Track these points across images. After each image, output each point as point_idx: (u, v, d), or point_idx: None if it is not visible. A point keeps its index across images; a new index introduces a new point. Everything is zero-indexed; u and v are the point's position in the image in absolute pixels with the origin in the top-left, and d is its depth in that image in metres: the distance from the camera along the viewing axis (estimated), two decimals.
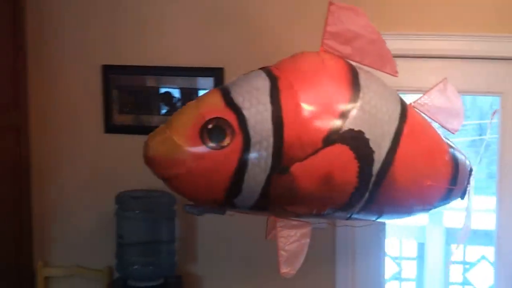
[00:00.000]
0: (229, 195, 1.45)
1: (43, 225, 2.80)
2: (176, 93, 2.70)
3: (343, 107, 1.47)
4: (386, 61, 1.63)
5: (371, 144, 1.49)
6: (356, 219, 1.68)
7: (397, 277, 4.93)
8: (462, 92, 2.80)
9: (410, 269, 4.94)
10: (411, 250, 4.93)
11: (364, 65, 1.61)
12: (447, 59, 2.51)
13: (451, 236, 4.75)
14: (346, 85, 1.51)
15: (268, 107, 1.42)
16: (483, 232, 4.03)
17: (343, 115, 1.46)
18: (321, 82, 1.49)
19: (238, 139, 1.39)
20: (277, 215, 1.61)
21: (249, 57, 2.57)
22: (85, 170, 2.76)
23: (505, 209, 2.55)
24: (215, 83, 2.61)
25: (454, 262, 4.69)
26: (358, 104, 1.49)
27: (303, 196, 1.47)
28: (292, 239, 1.62)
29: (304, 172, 1.43)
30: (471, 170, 1.86)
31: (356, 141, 1.47)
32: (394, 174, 1.55)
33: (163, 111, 2.70)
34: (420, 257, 4.87)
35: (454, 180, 1.76)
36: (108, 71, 2.70)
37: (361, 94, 1.51)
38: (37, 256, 2.80)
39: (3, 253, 2.64)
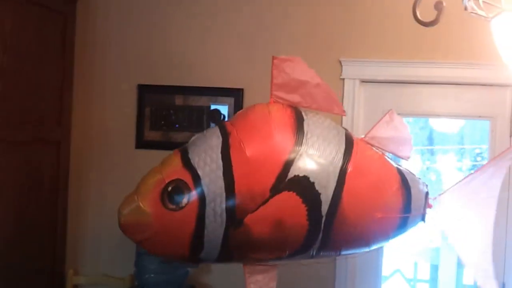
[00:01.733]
0: (193, 251, 1.51)
1: (76, 235, 2.95)
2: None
3: (287, 155, 1.52)
4: (332, 102, 1.71)
5: (317, 187, 1.55)
6: (319, 257, 1.71)
7: None
8: (455, 116, 2.96)
9: None
10: (425, 272, 4.90)
11: (314, 109, 1.68)
12: (441, 85, 2.74)
13: None
14: (290, 133, 1.57)
15: (220, 164, 1.48)
16: None
17: (288, 163, 1.51)
18: (267, 133, 1.55)
19: (194, 199, 1.46)
20: (243, 263, 1.65)
21: (268, 79, 2.69)
22: (115, 183, 2.91)
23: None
24: (235, 103, 2.82)
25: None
26: (302, 150, 1.55)
27: (259, 244, 1.54)
28: (261, 284, 1.67)
29: (257, 221, 1.49)
30: (427, 193, 1.86)
31: (301, 186, 1.52)
32: (343, 211, 1.60)
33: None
34: (433, 279, 4.81)
35: (407, 208, 1.79)
36: (143, 90, 2.89)
37: (304, 140, 1.57)
38: (69, 264, 2.93)
39: (39, 259, 2.79)
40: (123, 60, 2.97)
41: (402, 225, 1.80)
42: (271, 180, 1.49)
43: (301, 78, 1.67)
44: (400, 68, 2.74)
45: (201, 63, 2.89)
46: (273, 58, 1.63)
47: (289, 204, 1.51)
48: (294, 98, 1.66)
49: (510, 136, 2.64)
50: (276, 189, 1.49)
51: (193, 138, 1.59)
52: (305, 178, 1.53)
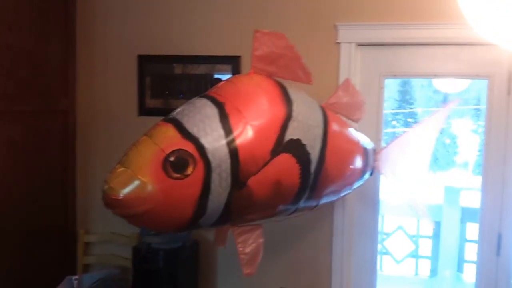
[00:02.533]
0: (196, 217, 1.57)
1: (85, 197, 3.16)
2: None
3: (282, 121, 1.65)
4: (302, 72, 1.87)
5: (307, 148, 1.71)
6: (300, 211, 1.89)
7: (414, 254, 5.10)
8: (453, 75, 2.99)
9: (426, 247, 5.08)
10: (427, 229, 5.05)
11: (287, 79, 1.82)
12: (438, 45, 2.72)
13: (466, 215, 4.83)
14: (281, 102, 1.70)
15: (222, 132, 1.55)
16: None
17: (284, 128, 1.65)
18: (261, 102, 1.66)
19: (200, 166, 1.51)
20: (235, 224, 1.76)
21: None
22: (120, 148, 3.07)
23: (489, 186, 2.70)
24: (232, 70, 2.90)
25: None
26: (293, 116, 1.69)
27: (259, 204, 1.65)
28: (249, 242, 1.79)
29: (259, 183, 1.59)
30: (374, 149, 2.17)
31: (296, 148, 1.67)
32: (327, 168, 1.79)
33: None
34: (436, 236, 4.97)
35: (367, 162, 2.08)
36: (143, 60, 3.04)
37: (294, 107, 1.71)
38: (79, 224, 3.17)
39: (52, 222, 3.04)
40: (123, 32, 3.09)
41: (361, 176, 2.09)
42: (271, 143, 1.61)
43: (280, 52, 1.79)
44: (396, 30, 2.73)
45: (199, 32, 2.98)
46: (255, 31, 1.75)
47: (286, 164, 1.65)
48: (271, 68, 1.78)
49: (508, 95, 2.64)
50: (275, 152, 1.61)
51: (179, 109, 1.65)
52: (298, 140, 1.68)
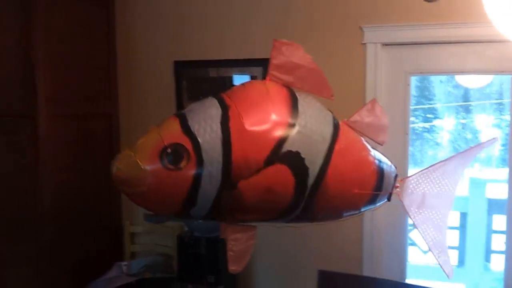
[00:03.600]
0: (185, 207, 1.63)
1: None
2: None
3: (283, 131, 1.66)
4: (323, 87, 1.85)
5: (306, 162, 1.69)
6: (296, 222, 1.89)
7: None
8: (478, 72, 3.04)
9: (453, 238, 5.11)
10: (454, 219, 5.08)
11: (306, 91, 1.81)
12: (462, 43, 2.81)
13: (492, 206, 4.87)
14: (286, 111, 1.70)
15: (219, 133, 1.59)
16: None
17: (283, 138, 1.65)
18: (265, 109, 1.67)
19: (193, 161, 1.57)
20: (227, 222, 1.80)
21: None
22: None
23: None
24: (263, 72, 3.07)
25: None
26: (296, 128, 1.68)
27: (248, 207, 1.68)
28: (240, 241, 1.81)
29: (249, 187, 1.62)
30: (396, 176, 2.04)
31: (293, 160, 1.67)
32: (326, 185, 1.76)
33: None
34: (463, 226, 5.03)
35: (379, 187, 1.97)
36: (179, 65, 3.29)
37: (299, 119, 1.70)
38: (125, 216, 3.41)
39: (100, 214, 3.30)
40: (159, 40, 3.33)
41: (372, 201, 1.99)
42: (265, 152, 1.62)
43: (297, 62, 1.80)
44: (421, 30, 2.82)
45: (231, 37, 3.17)
46: (274, 41, 1.77)
47: (280, 175, 1.66)
48: (288, 78, 1.78)
49: None
50: (269, 161, 1.62)
51: (190, 106, 1.73)
52: (297, 153, 1.68)
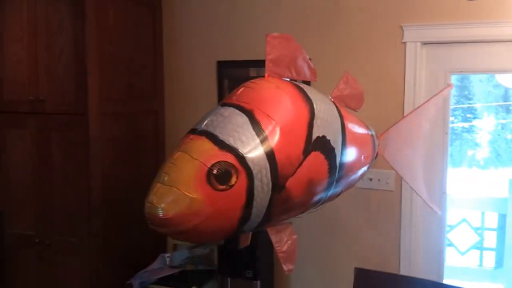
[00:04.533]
0: (241, 224, 1.58)
1: None
2: None
3: (308, 120, 1.67)
4: (309, 71, 1.89)
5: (332, 143, 1.74)
6: (324, 202, 1.94)
7: (478, 246, 5.13)
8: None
9: (491, 239, 5.08)
10: (493, 221, 5.04)
11: (297, 79, 1.84)
12: (503, 42, 2.80)
13: None
14: (303, 102, 1.71)
15: (257, 140, 1.54)
16: None
17: (310, 126, 1.67)
18: (286, 104, 1.66)
19: (243, 175, 1.51)
20: (270, 226, 1.78)
21: (335, 47, 3.11)
22: None
23: None
24: None
25: None
26: (316, 114, 1.71)
27: (296, 204, 1.69)
28: (285, 240, 1.81)
29: (295, 183, 1.61)
30: (374, 135, 2.23)
31: (323, 145, 1.70)
32: (347, 161, 1.84)
33: None
34: (501, 228, 4.96)
35: (374, 149, 2.14)
36: (221, 65, 3.41)
37: (315, 106, 1.73)
38: None
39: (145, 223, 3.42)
40: (203, 41, 3.45)
41: (372, 160, 2.17)
42: (302, 143, 1.63)
43: (290, 54, 1.81)
44: (461, 29, 2.82)
45: (256, 37, 3.19)
46: (267, 35, 1.75)
47: (317, 162, 1.68)
48: (283, 71, 1.79)
49: None
50: (307, 151, 1.63)
51: (208, 121, 1.63)
52: (324, 137, 1.71)
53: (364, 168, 2.13)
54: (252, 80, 1.77)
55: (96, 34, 2.99)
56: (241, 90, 1.75)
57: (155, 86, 3.51)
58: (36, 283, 3.23)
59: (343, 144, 1.82)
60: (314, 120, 1.68)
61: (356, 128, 2.01)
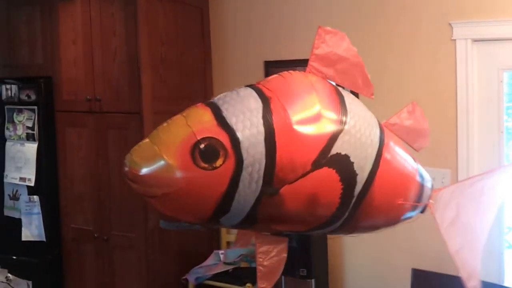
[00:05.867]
0: (216, 214, 1.39)
1: None
2: None
3: (332, 130, 1.45)
4: (364, 84, 1.65)
5: (355, 167, 1.49)
6: (333, 233, 1.71)
7: None
8: None
9: None
10: None
11: (344, 87, 1.60)
12: None
13: None
14: (335, 109, 1.49)
15: (261, 129, 1.36)
16: None
17: (332, 139, 1.44)
18: (311, 104, 1.46)
19: (231, 161, 1.33)
20: (257, 231, 1.60)
21: (383, 47, 3.09)
22: None
23: None
24: None
25: None
26: (346, 128, 1.47)
27: (288, 216, 1.46)
28: (271, 254, 1.61)
29: (293, 193, 1.40)
30: (432, 186, 1.85)
31: (342, 164, 1.46)
32: (373, 194, 1.55)
33: None
34: None
35: (420, 197, 1.78)
36: (269, 65, 3.47)
37: (348, 119, 1.49)
38: None
39: None
40: (250, 41, 3.51)
41: (412, 212, 1.79)
42: (314, 153, 1.41)
43: (341, 54, 1.60)
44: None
45: (303, 37, 3.15)
46: (319, 28, 1.58)
47: (327, 180, 1.45)
48: (329, 72, 1.58)
49: None
50: (317, 164, 1.40)
51: (222, 95, 1.48)
52: (346, 157, 1.47)
53: (398, 218, 1.78)
54: (290, 71, 1.58)
55: (148, 35, 3.09)
56: (273, 76, 1.58)
57: (205, 85, 3.61)
58: (95, 277, 3.37)
59: (371, 175, 1.55)
60: (341, 134, 1.46)
61: (400, 167, 1.70)
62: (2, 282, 3.44)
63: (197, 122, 1.36)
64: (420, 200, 1.79)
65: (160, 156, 1.31)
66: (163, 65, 3.22)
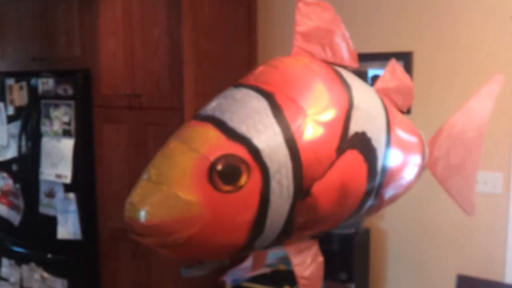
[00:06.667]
0: (251, 239, 1.21)
1: None
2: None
3: (345, 111, 1.32)
4: (349, 53, 1.49)
5: (373, 142, 1.38)
6: (359, 217, 1.59)
7: None
8: None
9: None
10: None
11: (331, 61, 1.46)
12: None
13: None
14: (339, 87, 1.36)
15: (277, 129, 1.21)
16: None
17: (347, 119, 1.32)
18: (317, 88, 1.33)
19: (256, 174, 1.16)
20: (289, 243, 1.42)
21: (438, 40, 2.93)
22: None
23: None
24: (404, 67, 2.99)
25: None
26: (355, 104, 1.35)
27: (323, 215, 1.32)
28: (308, 262, 1.44)
29: (324, 189, 1.26)
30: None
31: (362, 143, 1.35)
32: (391, 166, 1.45)
33: None
34: None
35: (424, 154, 1.71)
36: None
37: (353, 93, 1.37)
38: None
39: None
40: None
41: (420, 171, 1.71)
42: (336, 139, 1.28)
43: (326, 27, 1.45)
44: None
45: (365, 30, 3.10)
46: (298, 1, 1.44)
47: (353, 164, 1.33)
48: (316, 49, 1.43)
49: None
50: (341, 149, 1.28)
51: (214, 104, 1.33)
52: (363, 133, 1.35)
53: (411, 179, 1.69)
54: (275, 58, 1.42)
55: (191, 28, 2.95)
56: (260, 69, 1.41)
57: None
58: (131, 277, 3.29)
59: (387, 146, 1.45)
60: (353, 111, 1.33)
61: (405, 129, 1.62)
62: (37, 280, 3.38)
63: (202, 142, 1.18)
64: (425, 157, 1.73)
65: (175, 195, 1.12)
66: (207, 59, 3.07)
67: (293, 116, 1.23)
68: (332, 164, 1.25)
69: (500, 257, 2.89)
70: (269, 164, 1.17)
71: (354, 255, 2.92)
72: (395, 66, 1.71)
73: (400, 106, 1.70)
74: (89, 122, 3.30)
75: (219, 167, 1.13)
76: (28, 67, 3.60)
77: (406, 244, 3.14)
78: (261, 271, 3.09)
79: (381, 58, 3.02)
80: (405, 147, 1.58)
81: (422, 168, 1.74)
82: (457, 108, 1.87)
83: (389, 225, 3.18)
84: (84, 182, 3.30)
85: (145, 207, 1.12)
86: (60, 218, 3.29)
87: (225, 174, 1.13)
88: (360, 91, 1.41)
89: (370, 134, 1.37)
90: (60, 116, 3.27)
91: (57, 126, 3.28)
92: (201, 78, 3.02)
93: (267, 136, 1.19)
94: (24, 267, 3.50)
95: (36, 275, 3.40)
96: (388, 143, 1.45)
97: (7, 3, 3.76)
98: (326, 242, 2.92)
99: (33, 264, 3.45)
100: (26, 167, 3.45)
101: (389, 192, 1.53)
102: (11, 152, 3.52)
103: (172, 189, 1.12)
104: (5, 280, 3.62)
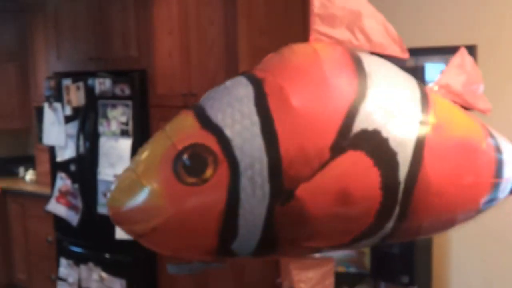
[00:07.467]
0: (224, 241, 1.12)
1: None
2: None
3: (350, 102, 1.14)
4: (392, 40, 1.31)
5: (392, 144, 1.15)
6: (391, 241, 1.33)
7: None
8: None
9: None
10: None
11: (367, 49, 1.29)
12: None
13: None
14: (350, 75, 1.18)
15: (255, 119, 1.10)
16: None
17: (352, 112, 1.13)
18: (317, 74, 1.17)
19: (223, 167, 1.08)
20: (291, 255, 1.28)
21: (506, 33, 2.78)
22: None
23: None
24: None
25: None
26: (368, 96, 1.16)
27: (317, 225, 1.14)
28: (313, 282, 1.27)
29: (314, 193, 1.10)
30: None
31: (372, 143, 1.14)
32: (426, 176, 1.19)
33: None
34: None
35: (499, 171, 1.35)
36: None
37: (368, 83, 1.18)
38: None
39: None
40: None
41: (494, 194, 1.36)
42: (330, 135, 1.11)
43: (350, 7, 1.28)
44: None
45: (429, 23, 2.96)
46: None
47: (357, 167, 1.13)
48: (342, 34, 1.27)
49: None
50: (338, 148, 1.11)
51: (210, 91, 1.24)
52: (376, 132, 1.15)
53: (478, 200, 1.35)
54: (292, 44, 1.33)
55: (246, 24, 2.91)
56: (268, 56, 1.32)
57: None
58: (190, 277, 3.26)
59: (418, 151, 1.19)
60: (362, 104, 1.14)
61: (457, 135, 1.30)
62: (96, 280, 3.40)
63: (178, 130, 1.16)
64: (502, 175, 1.36)
65: (139, 183, 1.09)
66: (262, 56, 2.97)
67: (278, 106, 1.12)
68: (324, 164, 1.10)
69: None
70: (240, 158, 1.08)
71: (416, 257, 2.82)
72: (464, 58, 1.46)
73: (480, 108, 1.44)
74: (146, 122, 3.29)
75: (185, 156, 1.08)
76: (84, 68, 3.63)
77: (472, 247, 2.99)
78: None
79: (441, 52, 2.90)
80: (454, 157, 1.27)
81: (498, 185, 1.37)
82: None
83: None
84: None
85: (116, 193, 1.13)
86: None
87: (190, 164, 1.08)
88: (384, 82, 1.21)
89: (387, 134, 1.16)
90: (118, 116, 3.27)
91: (114, 126, 3.29)
92: None
93: (242, 126, 1.11)
94: (83, 267, 3.53)
95: (94, 275, 3.42)
96: (419, 147, 1.19)
97: (63, 3, 3.80)
98: (386, 245, 2.87)
99: (91, 264, 3.48)
100: (84, 167, 3.48)
101: (429, 212, 1.24)
102: (69, 153, 3.56)
103: (138, 177, 1.10)
104: (64, 280, 3.66)
